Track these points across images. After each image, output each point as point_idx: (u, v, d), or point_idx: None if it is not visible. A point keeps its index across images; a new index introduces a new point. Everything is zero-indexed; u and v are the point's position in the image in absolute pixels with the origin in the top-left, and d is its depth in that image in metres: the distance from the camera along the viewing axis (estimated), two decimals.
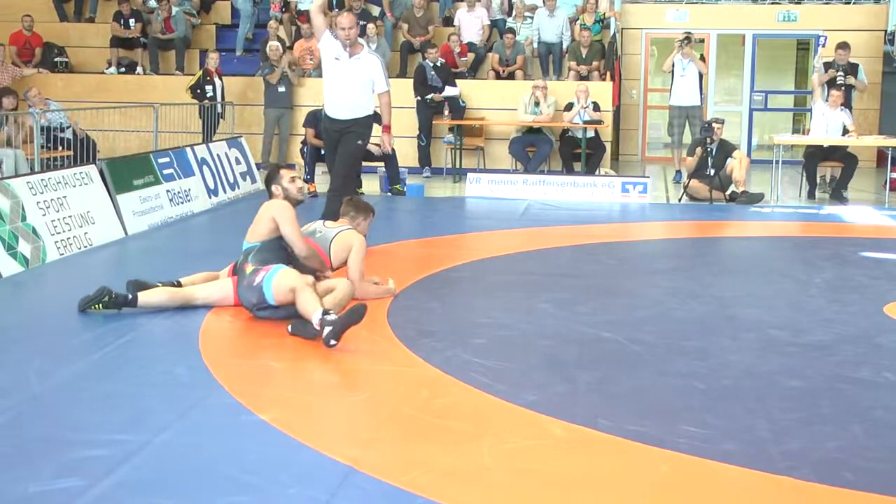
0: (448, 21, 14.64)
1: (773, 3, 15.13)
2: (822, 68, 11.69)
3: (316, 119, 10.22)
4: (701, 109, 12.61)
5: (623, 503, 3.18)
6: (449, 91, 12.67)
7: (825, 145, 11.13)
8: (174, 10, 14.31)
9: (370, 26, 13.47)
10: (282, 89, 12.90)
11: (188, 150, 9.97)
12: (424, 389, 4.21)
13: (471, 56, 13.77)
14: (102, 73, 14.14)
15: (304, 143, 11.30)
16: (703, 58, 13.57)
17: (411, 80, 12.85)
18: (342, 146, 7.36)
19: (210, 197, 9.98)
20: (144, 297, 5.42)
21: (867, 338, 5.15)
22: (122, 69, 14.19)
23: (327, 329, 4.71)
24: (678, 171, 12.51)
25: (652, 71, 15.58)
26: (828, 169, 11.55)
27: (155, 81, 13.86)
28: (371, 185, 11.01)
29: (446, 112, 12.58)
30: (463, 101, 12.87)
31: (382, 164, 10.98)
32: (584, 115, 12.11)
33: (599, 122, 12.25)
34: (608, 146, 12.81)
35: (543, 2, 13.95)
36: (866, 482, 3.27)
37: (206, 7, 15.46)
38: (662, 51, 15.27)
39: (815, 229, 9.23)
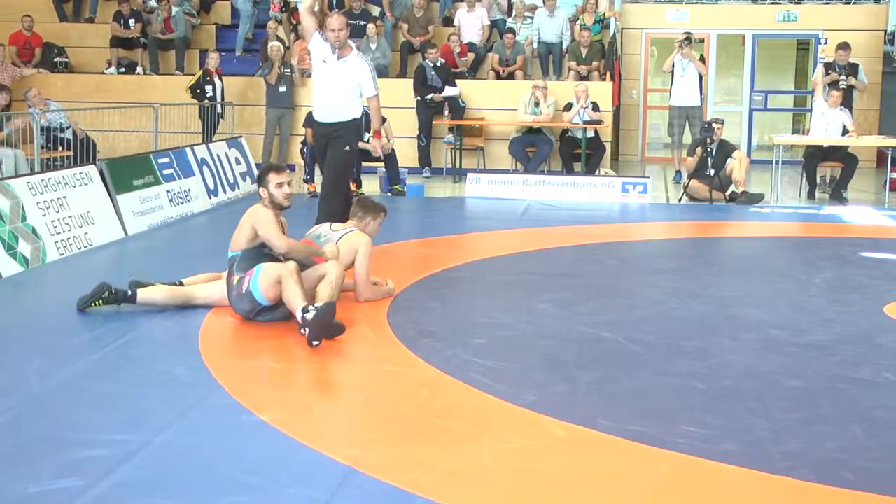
0: (448, 21, 14.64)
1: (773, 3, 15.13)
2: (823, 69, 11.69)
3: None
4: (701, 110, 12.61)
5: (623, 503, 3.18)
6: (449, 91, 12.67)
7: (825, 145, 11.13)
8: (174, 10, 14.30)
9: (370, 26, 13.48)
10: (282, 89, 12.89)
11: (188, 150, 9.97)
12: (424, 389, 4.21)
13: (471, 56, 13.77)
14: (102, 73, 14.13)
15: (304, 143, 11.29)
16: (702, 58, 13.58)
17: (411, 80, 12.85)
18: (330, 151, 7.25)
19: (210, 197, 9.98)
20: (144, 294, 5.42)
21: (867, 338, 5.15)
22: (122, 69, 14.19)
23: (307, 330, 4.74)
24: (678, 172, 12.52)
25: (652, 71, 15.58)
26: (828, 169, 11.55)
27: (155, 82, 13.85)
28: (371, 185, 11.02)
29: (446, 112, 12.58)
30: (463, 102, 12.87)
31: (382, 164, 10.99)
32: (583, 116, 12.11)
33: (599, 122, 12.25)
34: (608, 146, 12.81)
35: (543, 2, 13.95)
36: (866, 482, 3.27)
37: (205, 7, 15.46)
38: (662, 51, 15.27)
39: (814, 229, 9.23)
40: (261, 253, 5.31)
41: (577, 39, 13.58)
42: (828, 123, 11.14)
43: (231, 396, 4.07)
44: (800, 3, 15.01)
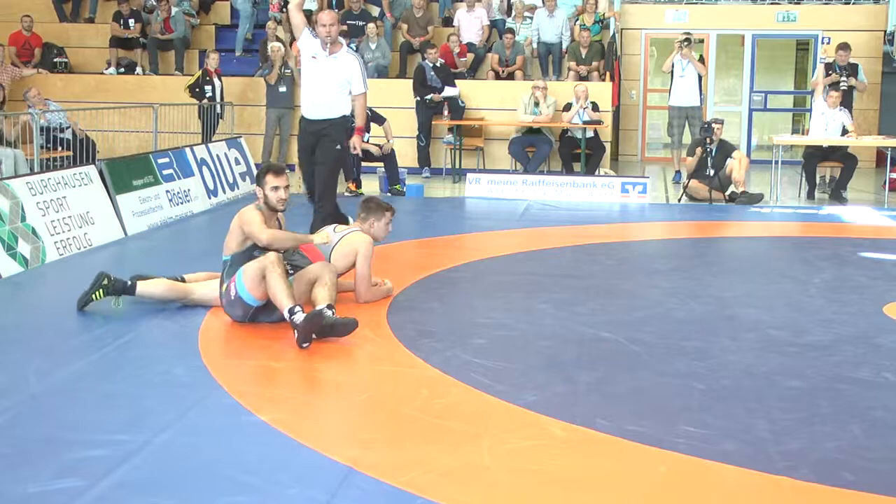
0: (447, 21, 14.64)
1: (772, 4, 15.13)
2: (824, 69, 11.69)
3: None
4: (700, 110, 12.61)
5: (622, 503, 3.18)
6: (448, 91, 12.66)
7: (824, 146, 11.13)
8: (173, 10, 14.31)
9: (370, 26, 13.48)
10: (283, 89, 12.89)
11: (187, 150, 9.97)
12: (424, 390, 4.21)
13: (470, 56, 13.77)
14: (102, 73, 14.13)
15: None
16: (702, 59, 13.59)
17: (411, 81, 12.85)
18: (319, 151, 7.15)
19: (209, 197, 9.98)
20: (143, 286, 5.42)
21: (867, 338, 5.15)
22: (122, 69, 14.19)
23: (296, 333, 4.75)
24: (678, 172, 12.52)
25: (651, 71, 15.58)
26: (827, 169, 11.55)
27: (154, 82, 13.85)
28: (371, 186, 11.01)
29: (446, 112, 12.58)
30: (462, 102, 12.87)
31: (382, 164, 10.99)
32: (583, 116, 12.11)
33: (599, 122, 12.25)
34: (608, 146, 12.82)
35: (543, 2, 13.95)
36: (866, 482, 3.28)
37: (205, 7, 15.46)
38: (662, 51, 15.28)
39: (814, 229, 9.23)
40: (250, 256, 5.19)
41: (576, 40, 13.58)
42: (827, 124, 11.15)
43: (231, 396, 4.07)
44: (799, 4, 15.01)
